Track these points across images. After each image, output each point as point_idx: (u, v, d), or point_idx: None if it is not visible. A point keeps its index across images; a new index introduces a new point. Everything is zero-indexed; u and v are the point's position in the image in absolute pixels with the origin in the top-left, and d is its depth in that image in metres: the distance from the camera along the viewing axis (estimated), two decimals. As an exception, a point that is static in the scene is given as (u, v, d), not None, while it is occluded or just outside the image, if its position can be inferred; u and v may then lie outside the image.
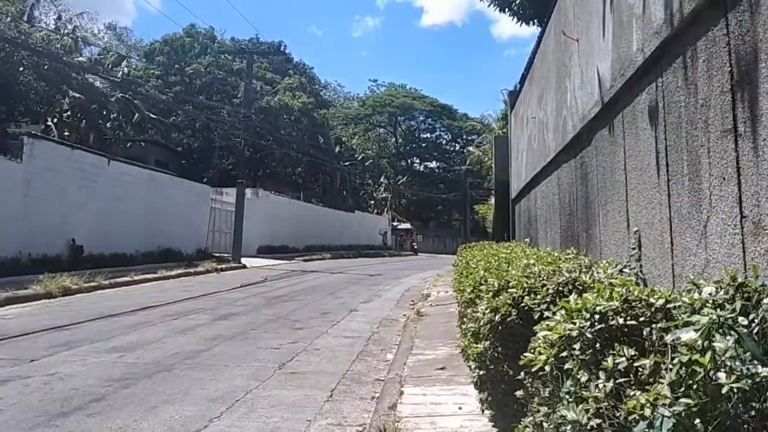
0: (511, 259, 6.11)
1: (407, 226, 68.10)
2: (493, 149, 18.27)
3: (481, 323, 4.24)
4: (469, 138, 73.31)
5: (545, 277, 4.32)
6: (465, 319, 6.33)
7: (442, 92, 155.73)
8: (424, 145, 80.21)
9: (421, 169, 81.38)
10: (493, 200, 25.95)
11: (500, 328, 4.04)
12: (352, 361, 7.76)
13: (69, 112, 31.97)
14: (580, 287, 3.99)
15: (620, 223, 5.01)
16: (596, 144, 5.79)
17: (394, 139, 79.13)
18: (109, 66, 34.82)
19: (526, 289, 4.17)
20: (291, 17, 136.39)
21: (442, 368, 6.38)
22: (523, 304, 4.01)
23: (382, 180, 63.48)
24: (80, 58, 30.63)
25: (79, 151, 19.97)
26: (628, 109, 4.58)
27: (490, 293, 4.36)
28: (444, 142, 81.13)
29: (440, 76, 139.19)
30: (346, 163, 49.78)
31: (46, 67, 21.28)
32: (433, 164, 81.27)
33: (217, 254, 29.22)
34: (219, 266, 24.28)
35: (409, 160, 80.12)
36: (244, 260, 27.84)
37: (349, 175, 52.15)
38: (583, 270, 4.45)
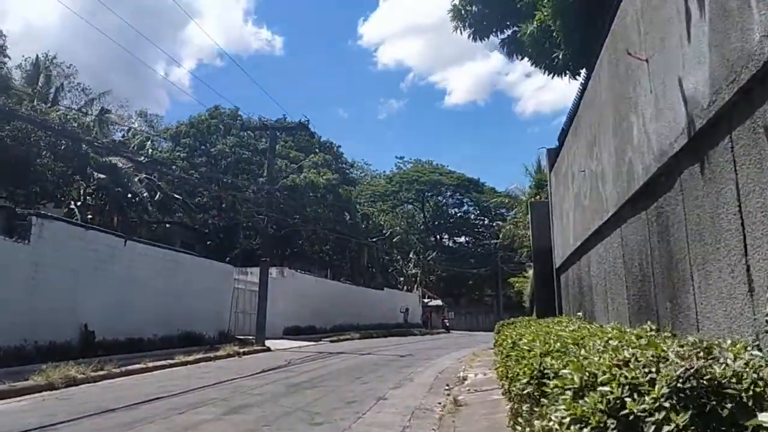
0: (577, 338, 4.76)
1: (438, 302, 66.15)
2: (528, 217, 17.00)
3: (559, 437, 2.91)
4: (498, 212, 72.14)
5: (649, 368, 3.00)
6: (520, 420, 4.93)
7: (467, 169, 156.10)
8: (452, 220, 79.20)
9: (451, 244, 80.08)
10: (530, 272, 24.45)
11: (592, 449, 2.71)
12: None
13: (92, 195, 31.86)
14: (713, 385, 2.66)
15: (734, 287, 3.69)
16: (683, 186, 4.54)
17: (422, 215, 78.28)
18: (134, 148, 34.83)
19: (626, 387, 2.85)
20: (316, 101, 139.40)
21: (493, 484, 4.95)
22: (625, 412, 2.69)
23: (411, 256, 62.23)
24: (104, 140, 30.54)
25: (93, 232, 19.19)
26: (743, 128, 3.36)
27: (569, 392, 3.03)
28: (472, 216, 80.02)
29: (465, 154, 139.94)
30: (374, 239, 48.73)
31: (63, 147, 20.85)
32: (462, 239, 79.98)
33: (241, 337, 27.92)
34: (241, 350, 22.94)
35: (438, 236, 78.96)
36: (268, 342, 26.48)
37: (377, 252, 51.03)
38: (701, 354, 3.12)
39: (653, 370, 2.98)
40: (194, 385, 13.66)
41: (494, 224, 73.51)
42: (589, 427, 2.73)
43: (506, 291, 69.11)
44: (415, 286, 62.46)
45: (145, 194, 33.05)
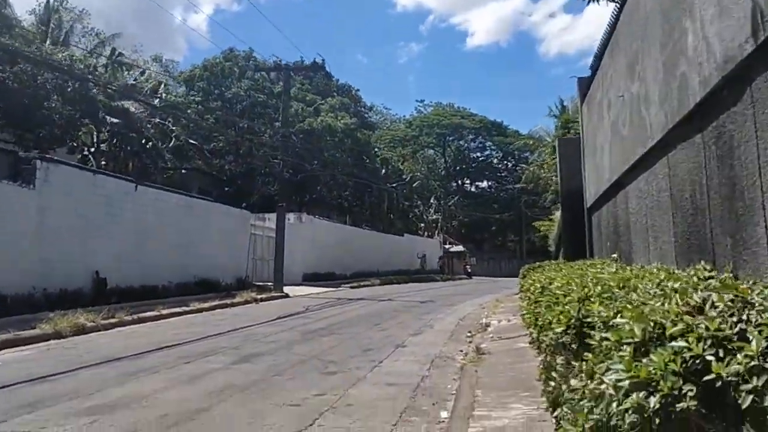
0: (622, 281, 4.03)
1: (460, 248, 65.60)
2: (556, 157, 16.09)
3: (613, 406, 2.21)
4: (521, 155, 70.75)
5: (737, 316, 2.27)
6: (554, 374, 4.25)
7: (490, 112, 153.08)
8: (474, 164, 77.86)
9: (473, 189, 79.00)
10: (557, 215, 23.62)
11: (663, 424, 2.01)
12: (394, 425, 5.73)
13: (106, 141, 31.32)
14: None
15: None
16: (754, 97, 3.71)
17: (443, 160, 77.03)
18: (147, 92, 34.01)
19: (707, 342, 2.12)
20: (335, 46, 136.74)
21: (522, 447, 4.32)
22: (711, 377, 1.98)
23: (432, 201, 61.45)
24: (115, 83, 29.76)
25: (102, 176, 18.66)
26: None
27: (627, 347, 2.32)
28: (495, 160, 78.59)
29: (487, 96, 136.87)
30: (393, 185, 47.91)
31: (70, 90, 20.16)
32: (484, 184, 78.78)
33: (259, 283, 27.62)
34: (258, 296, 22.59)
35: (459, 181, 77.85)
36: (287, 289, 26.14)
37: (397, 198, 50.28)
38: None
39: (743, 318, 2.24)
40: (207, 333, 13.24)
41: (518, 168, 72.21)
42: (658, 395, 2.03)
43: (530, 236, 68.36)
44: (436, 232, 61.86)
45: (159, 140, 32.49)
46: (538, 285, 6.51)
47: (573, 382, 3.43)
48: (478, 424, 5.00)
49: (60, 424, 5.83)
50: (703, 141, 4.66)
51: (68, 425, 5.82)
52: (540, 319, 5.53)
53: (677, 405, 1.98)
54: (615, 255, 8.02)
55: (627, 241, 7.36)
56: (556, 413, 3.95)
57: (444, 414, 6.11)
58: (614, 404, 2.21)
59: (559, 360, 4.23)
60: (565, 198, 14.17)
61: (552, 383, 4.26)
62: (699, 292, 2.63)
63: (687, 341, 2.11)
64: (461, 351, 10.43)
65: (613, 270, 5.31)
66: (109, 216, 18.18)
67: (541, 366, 5.08)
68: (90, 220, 17.31)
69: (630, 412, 2.04)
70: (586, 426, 2.37)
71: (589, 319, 3.40)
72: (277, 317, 16.51)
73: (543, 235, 38.59)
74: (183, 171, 36.90)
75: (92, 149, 30.51)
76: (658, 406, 2.01)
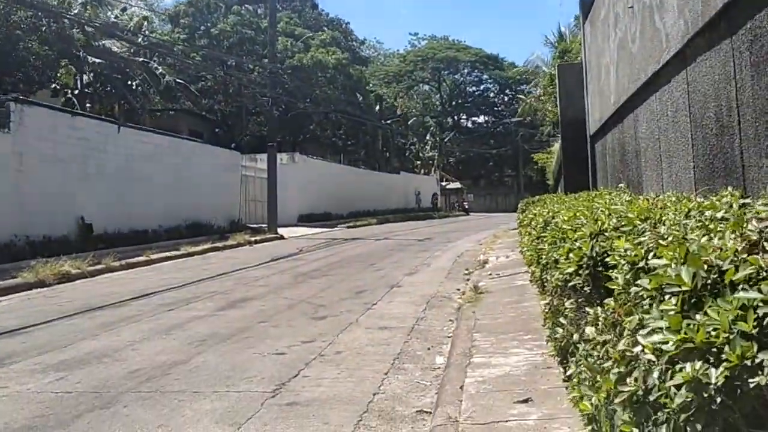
0: (642, 212, 3.43)
1: (457, 185, 64.99)
2: (556, 84, 15.30)
3: (654, 377, 1.66)
4: (518, 88, 69.30)
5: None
6: (562, 320, 3.72)
7: (486, 44, 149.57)
8: (470, 99, 76.20)
9: (469, 125, 77.64)
10: (556, 146, 22.91)
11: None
12: (385, 374, 5.27)
13: (90, 84, 30.25)
14: None
15: None
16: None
17: (438, 96, 75.50)
18: (130, 30, 32.68)
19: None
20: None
21: (525, 401, 3.81)
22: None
23: (427, 138, 60.47)
24: (94, 21, 28.47)
25: (82, 118, 17.85)
26: None
27: (674, 299, 1.75)
28: (492, 94, 76.89)
29: (483, 29, 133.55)
30: (388, 122, 46.86)
31: (44, 29, 19.11)
32: (480, 119, 77.36)
33: (253, 225, 27.11)
34: (252, 238, 22.13)
35: (455, 117, 76.42)
36: (282, 230, 25.66)
37: (392, 135, 49.31)
38: None
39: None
40: (196, 277, 12.80)
41: (515, 102, 70.91)
42: (722, 367, 1.47)
43: (527, 171, 67.73)
44: (433, 168, 61.11)
45: (145, 81, 31.42)
46: (540, 219, 5.95)
47: (588, 331, 2.90)
48: (476, 373, 4.51)
49: (23, 383, 5.35)
50: (732, 47, 4.01)
51: (32, 383, 5.34)
52: (544, 257, 4.99)
53: (750, 380, 1.43)
54: (622, 185, 7.44)
55: (636, 170, 6.76)
56: (569, 372, 3.44)
57: (440, 360, 5.65)
58: (655, 374, 1.66)
59: (568, 304, 3.70)
60: (565, 128, 13.47)
61: (560, 330, 3.75)
62: (754, 222, 2.05)
63: (760, 290, 1.54)
64: (458, 290, 9.99)
65: (627, 199, 4.74)
66: (92, 159, 17.47)
67: (546, 309, 4.56)
68: (71, 164, 16.61)
69: (684, 389, 1.48)
70: (616, 400, 1.83)
71: (607, 259, 2.83)
72: (269, 260, 16.06)
73: (541, 169, 37.95)
74: (171, 112, 35.88)
75: (76, 91, 29.50)
76: (722, 381, 1.45)
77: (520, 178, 68.19)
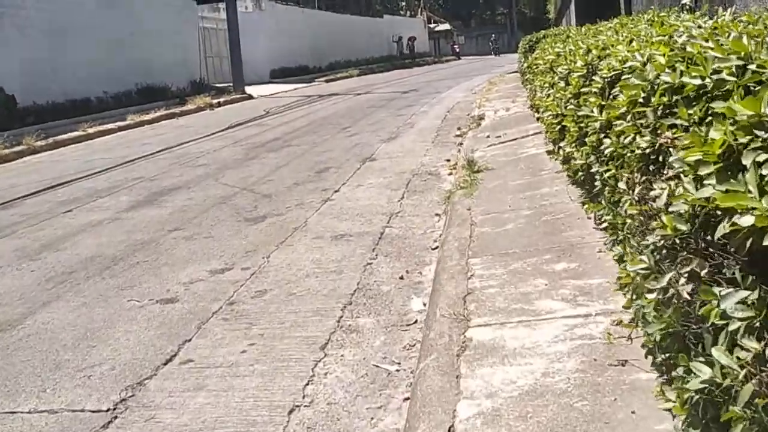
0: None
1: (446, 26, 60.40)
2: None
3: None
4: None
5: None
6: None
7: None
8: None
9: (457, -42, 71.25)
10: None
11: None
12: (322, 349, 3.10)
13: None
14: None
15: None
16: None
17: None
18: None
19: None
20: None
21: None
22: None
23: (412, -24, 55.24)
24: None
25: (-13, -37, 14.57)
26: None
27: None
28: None
29: None
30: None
31: None
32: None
33: (220, 85, 24.20)
34: (215, 101, 19.49)
35: (442, -51, 69.92)
36: (251, 89, 22.86)
37: (373, -26, 44.51)
38: None
39: None
40: (130, 156, 10.47)
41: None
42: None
43: (519, 7, 62.99)
44: (419, 10, 56.35)
45: None
46: (578, 61, 3.51)
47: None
48: (476, 384, 2.31)
49: None
50: None
51: None
52: (589, 128, 2.67)
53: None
54: (686, 1, 4.93)
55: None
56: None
57: (416, 306, 3.50)
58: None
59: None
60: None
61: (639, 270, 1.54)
62: None
63: None
64: (448, 161, 7.73)
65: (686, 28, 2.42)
66: (6, 17, 14.45)
67: (608, 233, 2.30)
68: (-24, 23, 13.67)
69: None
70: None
71: None
72: (227, 126, 13.63)
73: (537, 3, 34.18)
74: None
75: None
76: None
77: (513, 15, 63.41)
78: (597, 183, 2.90)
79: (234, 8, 21.70)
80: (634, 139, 2.06)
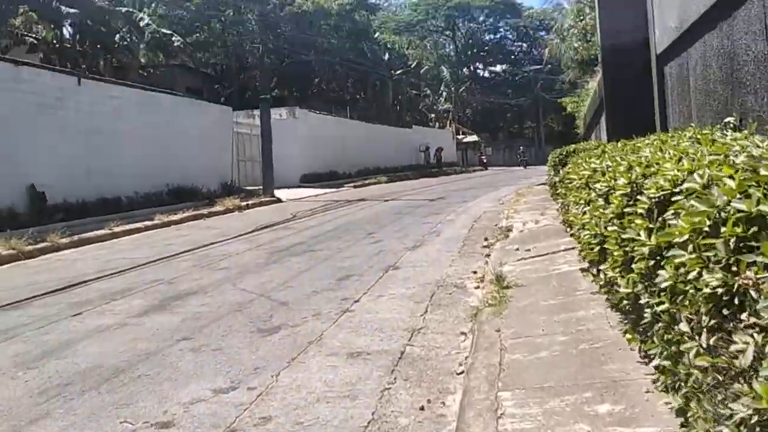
0: None
1: (474, 138, 61.54)
2: (594, 4, 12.31)
3: None
4: (537, 34, 65.38)
5: None
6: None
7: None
8: (486, 48, 71.89)
9: (486, 74, 73.62)
10: (591, 84, 19.79)
11: None
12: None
13: (71, 38, 27.63)
14: None
15: None
16: None
17: (453, 45, 71.40)
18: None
19: None
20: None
21: None
22: None
23: (442, 89, 56.95)
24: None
25: (30, 69, 15.16)
26: None
27: None
28: (509, 42, 72.65)
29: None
30: (399, 72, 43.41)
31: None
32: (498, 68, 73.21)
33: (250, 188, 24.60)
34: (245, 203, 19.64)
35: (471, 66, 72.31)
36: (281, 192, 23.13)
37: (403, 87, 45.93)
38: None
39: None
40: (152, 257, 10.34)
41: (533, 49, 67.08)
42: None
43: (547, 121, 64.26)
44: (448, 122, 57.69)
45: (131, 33, 28.75)
46: (621, 178, 3.24)
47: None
48: None
49: None
50: None
51: None
52: (641, 257, 2.36)
53: None
54: (730, 119, 4.71)
55: (759, 91, 4.05)
56: None
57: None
58: None
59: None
60: (609, 56, 10.58)
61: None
62: None
63: None
64: (475, 273, 7.39)
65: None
66: (44, 117, 14.89)
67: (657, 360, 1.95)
68: (17, 122, 14.07)
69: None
70: None
71: None
72: (253, 229, 13.57)
73: (565, 117, 34.68)
74: (163, 68, 33.03)
75: (56, 44, 26.90)
76: None
77: (540, 129, 64.70)
78: (646, 315, 2.56)
79: (268, 115, 22.31)
80: (700, 274, 1.75)
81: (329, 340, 5.00)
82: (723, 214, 1.77)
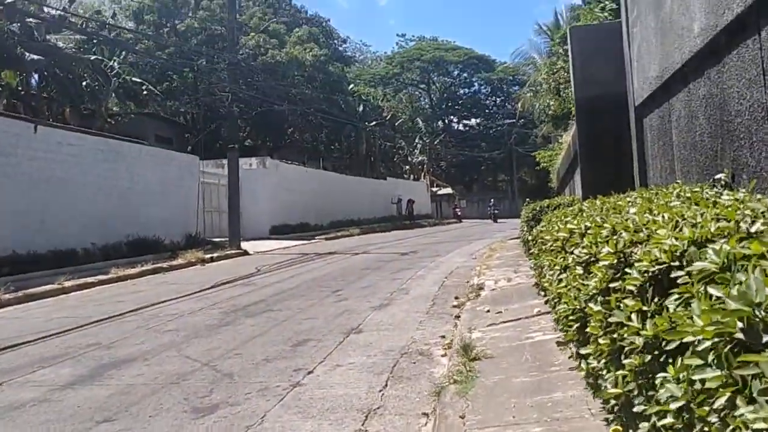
0: None
1: (448, 190, 61.57)
2: (569, 54, 12.09)
3: None
4: (510, 89, 66.37)
5: None
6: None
7: (478, 45, 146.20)
8: (461, 101, 72.84)
9: (460, 127, 74.35)
10: (565, 137, 19.61)
11: None
12: None
13: (38, 85, 27.04)
14: None
15: None
16: None
17: (428, 99, 72.21)
18: (82, 24, 29.37)
19: None
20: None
21: None
22: None
23: (416, 142, 57.11)
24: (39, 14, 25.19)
25: (-20, 115, 14.58)
26: None
27: None
28: (483, 96, 73.69)
29: (474, 30, 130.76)
30: (373, 123, 43.34)
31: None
32: (472, 122, 74.02)
33: (217, 240, 23.82)
34: (208, 256, 18.86)
35: (446, 119, 73.05)
36: (249, 244, 22.46)
37: (378, 138, 45.86)
38: None
39: None
40: (96, 316, 9.59)
41: (507, 103, 68.00)
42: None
43: (521, 174, 64.68)
44: (422, 174, 57.68)
45: (98, 80, 28.21)
46: (607, 246, 2.71)
47: None
48: None
49: None
50: None
51: None
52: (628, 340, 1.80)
53: None
54: (721, 175, 4.25)
55: (756, 144, 3.60)
56: None
57: None
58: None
59: None
60: (583, 108, 10.27)
61: None
62: None
63: None
64: (443, 338, 6.79)
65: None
66: (-5, 167, 14.20)
67: None
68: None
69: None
70: None
71: None
72: (212, 285, 12.86)
73: (539, 171, 34.65)
74: (132, 116, 32.49)
75: (21, 92, 26.26)
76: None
77: (514, 182, 65.06)
78: (645, 424, 1.98)
79: (236, 164, 21.75)
80: (733, 404, 1.19)
81: (271, 425, 4.32)
82: (763, 313, 1.23)
